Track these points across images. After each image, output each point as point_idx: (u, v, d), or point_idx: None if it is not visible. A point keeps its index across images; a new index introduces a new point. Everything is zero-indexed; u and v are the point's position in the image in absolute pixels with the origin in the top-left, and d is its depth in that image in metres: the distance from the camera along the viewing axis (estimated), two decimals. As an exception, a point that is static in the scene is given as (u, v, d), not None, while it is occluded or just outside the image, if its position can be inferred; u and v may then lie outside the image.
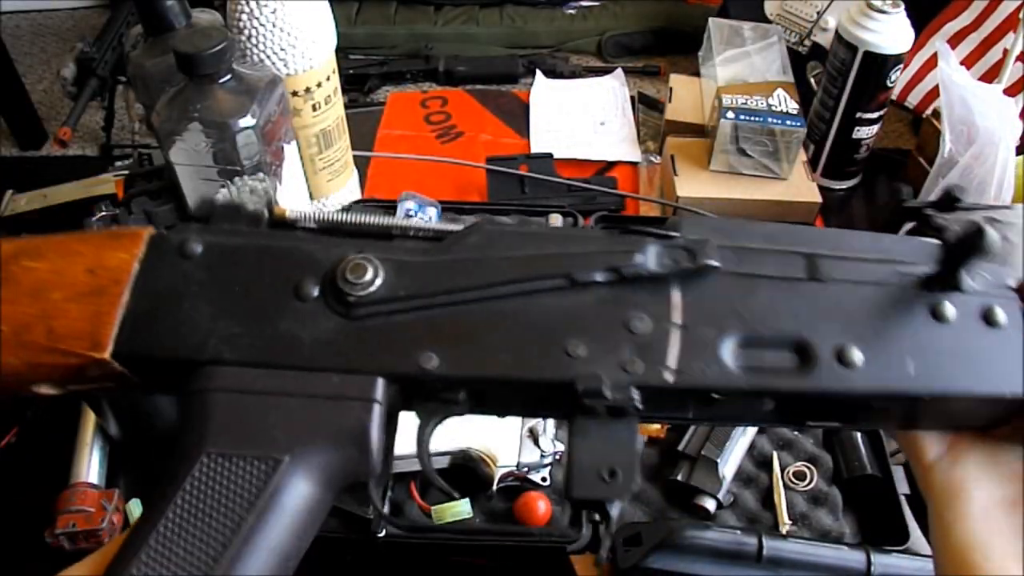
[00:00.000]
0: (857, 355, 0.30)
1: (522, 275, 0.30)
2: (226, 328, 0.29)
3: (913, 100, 1.17)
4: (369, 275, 0.30)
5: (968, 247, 0.29)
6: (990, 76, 1.02)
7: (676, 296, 0.31)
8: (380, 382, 0.29)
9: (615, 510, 0.29)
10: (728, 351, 0.30)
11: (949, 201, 0.34)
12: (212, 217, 0.32)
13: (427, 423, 0.32)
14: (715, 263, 0.31)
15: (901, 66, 0.89)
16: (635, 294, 0.31)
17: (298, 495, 0.28)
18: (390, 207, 0.87)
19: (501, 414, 0.33)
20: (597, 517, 0.29)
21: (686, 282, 0.31)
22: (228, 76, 0.64)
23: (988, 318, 0.31)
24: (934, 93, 0.87)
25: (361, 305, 0.30)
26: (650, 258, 0.31)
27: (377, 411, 0.29)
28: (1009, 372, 0.30)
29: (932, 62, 1.08)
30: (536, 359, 0.29)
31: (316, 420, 0.28)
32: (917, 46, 1.05)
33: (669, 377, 0.29)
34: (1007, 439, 0.33)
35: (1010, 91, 0.88)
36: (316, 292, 0.30)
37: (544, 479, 0.65)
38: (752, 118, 0.89)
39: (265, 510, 0.27)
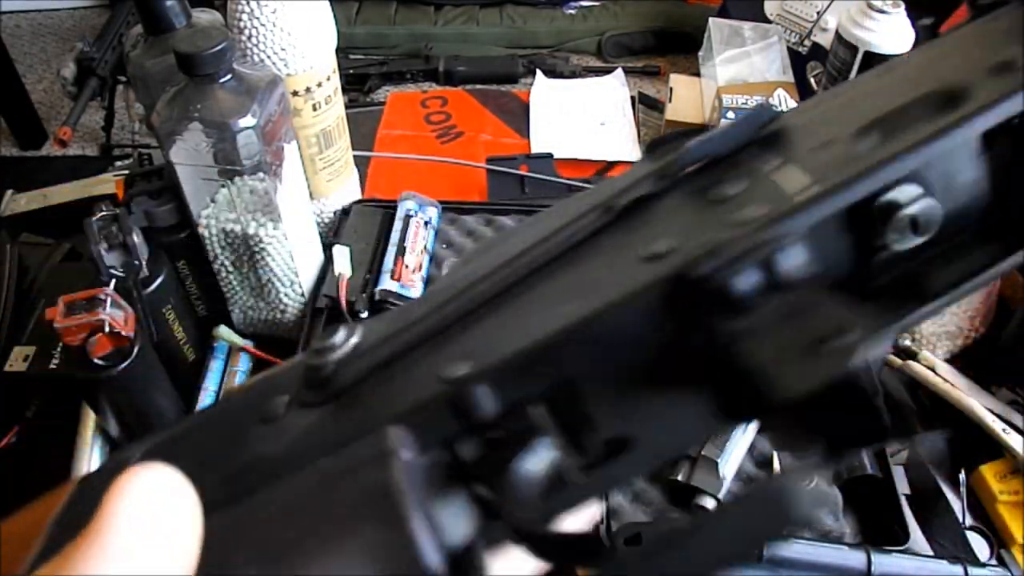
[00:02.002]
0: None
1: (559, 224, 0.21)
2: None
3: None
4: (341, 335, 0.22)
5: None
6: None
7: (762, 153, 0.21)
8: (390, 432, 0.18)
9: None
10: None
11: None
12: None
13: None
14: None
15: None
16: (698, 184, 0.21)
17: None
18: (390, 207, 0.87)
19: (641, 467, 0.20)
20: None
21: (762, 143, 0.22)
22: (228, 76, 0.64)
23: None
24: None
25: (340, 372, 0.21)
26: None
27: (400, 464, 0.18)
28: None
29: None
30: (613, 283, 0.19)
31: (317, 523, 0.18)
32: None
33: (815, 187, 0.19)
34: None
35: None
36: (284, 402, 0.22)
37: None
38: (752, 118, 0.89)
39: None
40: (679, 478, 0.66)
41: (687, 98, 1.05)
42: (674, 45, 1.28)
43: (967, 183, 0.20)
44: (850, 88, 0.24)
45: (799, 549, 0.59)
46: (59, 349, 0.67)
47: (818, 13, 1.07)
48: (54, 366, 0.66)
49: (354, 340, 0.21)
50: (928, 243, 0.19)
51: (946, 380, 0.73)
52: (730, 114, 0.90)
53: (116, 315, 0.60)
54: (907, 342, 0.80)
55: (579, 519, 0.20)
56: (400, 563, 0.17)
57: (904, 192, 0.19)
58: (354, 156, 0.89)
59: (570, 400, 0.18)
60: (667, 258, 0.18)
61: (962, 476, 0.68)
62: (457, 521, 0.18)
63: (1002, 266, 0.20)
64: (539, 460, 0.18)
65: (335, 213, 0.88)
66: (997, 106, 0.19)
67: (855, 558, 0.58)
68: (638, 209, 0.21)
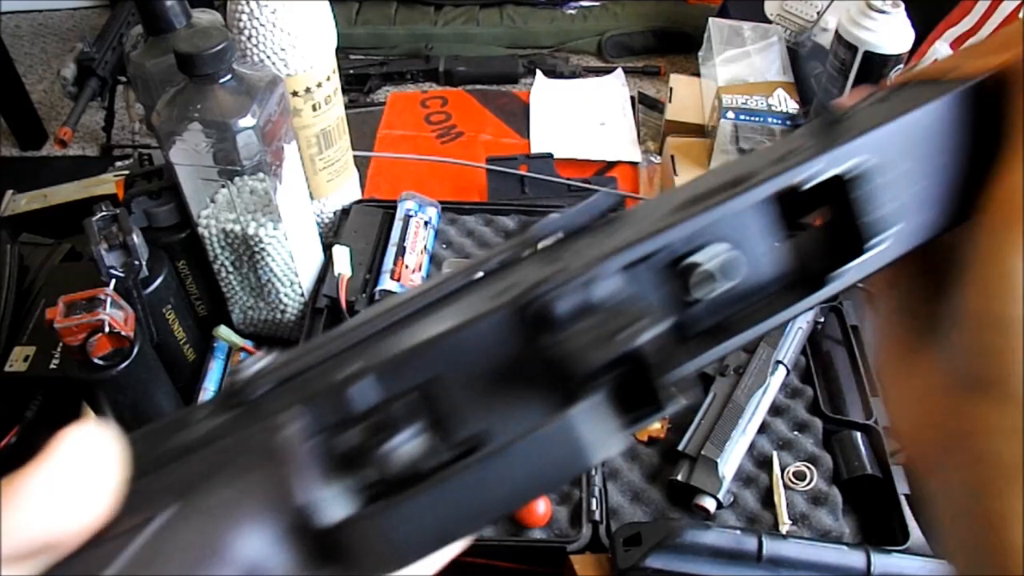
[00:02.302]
0: None
1: (437, 283, 0.25)
2: None
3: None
4: (255, 359, 0.24)
5: None
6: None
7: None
8: (283, 413, 0.21)
9: None
10: None
11: None
12: None
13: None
14: None
15: (901, 66, 0.89)
16: (548, 251, 0.26)
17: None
18: (390, 207, 0.87)
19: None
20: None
21: None
22: (228, 76, 0.64)
23: None
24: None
25: (250, 385, 0.23)
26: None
27: (288, 429, 0.21)
28: None
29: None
30: (489, 301, 0.23)
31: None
32: (919, 53, 1.05)
33: (614, 245, 0.23)
34: None
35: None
36: (201, 415, 0.23)
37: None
38: (752, 118, 0.89)
39: None
40: (679, 478, 0.66)
41: (687, 98, 1.05)
42: (674, 45, 1.28)
43: (767, 245, 0.25)
44: (678, 188, 0.29)
45: (799, 549, 0.59)
46: (59, 349, 0.67)
47: (818, 13, 1.07)
48: (54, 366, 0.66)
49: (267, 361, 0.24)
50: (741, 294, 0.24)
51: (946, 380, 0.73)
52: (730, 114, 0.90)
53: (116, 315, 0.60)
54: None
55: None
56: (277, 498, 0.20)
57: (709, 251, 0.24)
58: (354, 156, 0.89)
59: (440, 398, 0.22)
60: (508, 292, 0.23)
61: (962, 476, 0.68)
62: (337, 501, 0.21)
63: (798, 308, 0.25)
64: (409, 444, 0.21)
65: (335, 213, 0.88)
66: (771, 181, 0.24)
67: (855, 558, 0.58)
68: (499, 271, 0.26)
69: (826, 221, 0.26)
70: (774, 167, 0.24)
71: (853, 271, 0.25)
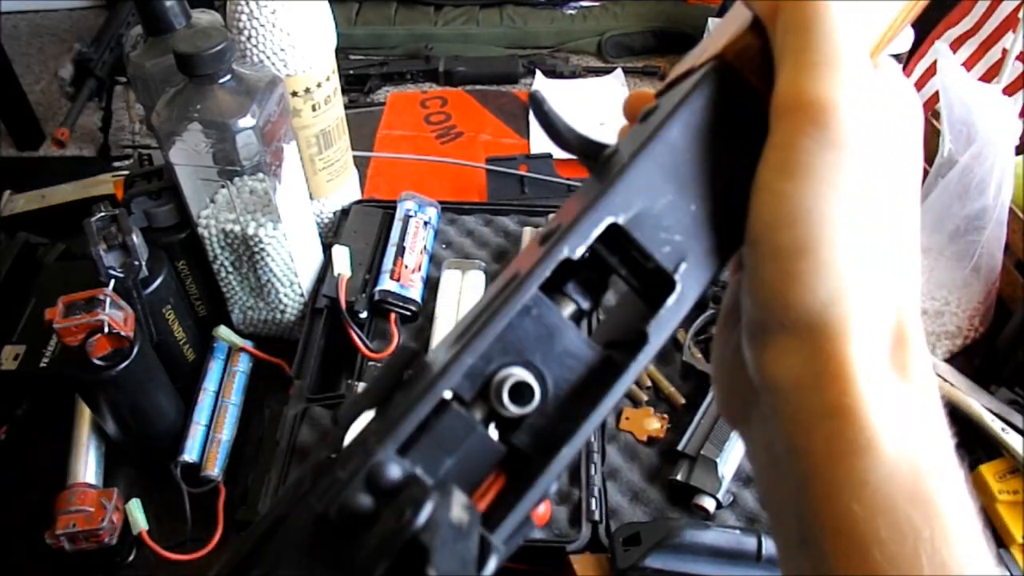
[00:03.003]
0: None
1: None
2: None
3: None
4: None
5: None
6: (989, 76, 1.02)
7: None
8: None
9: None
10: None
11: None
12: None
13: None
14: None
15: (901, 67, 0.88)
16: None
17: None
18: (390, 207, 0.87)
19: None
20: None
21: None
22: (228, 76, 0.64)
23: None
24: (935, 99, 0.88)
25: None
26: None
27: None
28: None
29: (933, 69, 1.08)
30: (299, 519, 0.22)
31: None
32: (919, 54, 1.05)
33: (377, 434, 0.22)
34: None
35: (1009, 90, 0.88)
36: None
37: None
38: (752, 118, 0.89)
39: None
40: (679, 478, 0.66)
41: (686, 98, 1.05)
42: (674, 45, 1.28)
43: (573, 330, 0.24)
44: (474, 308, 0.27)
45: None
46: (50, 347, 0.67)
47: (817, 13, 1.07)
48: (44, 364, 0.66)
49: None
50: (574, 383, 0.24)
51: (946, 380, 0.73)
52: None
53: (116, 315, 0.60)
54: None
55: None
56: None
57: (507, 371, 0.23)
58: (354, 156, 0.89)
59: None
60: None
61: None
62: None
63: (632, 370, 0.23)
64: None
65: (335, 213, 0.88)
66: (541, 266, 0.23)
67: (855, 558, 0.58)
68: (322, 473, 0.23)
69: (625, 279, 0.25)
70: (538, 255, 0.23)
71: (668, 312, 0.24)
